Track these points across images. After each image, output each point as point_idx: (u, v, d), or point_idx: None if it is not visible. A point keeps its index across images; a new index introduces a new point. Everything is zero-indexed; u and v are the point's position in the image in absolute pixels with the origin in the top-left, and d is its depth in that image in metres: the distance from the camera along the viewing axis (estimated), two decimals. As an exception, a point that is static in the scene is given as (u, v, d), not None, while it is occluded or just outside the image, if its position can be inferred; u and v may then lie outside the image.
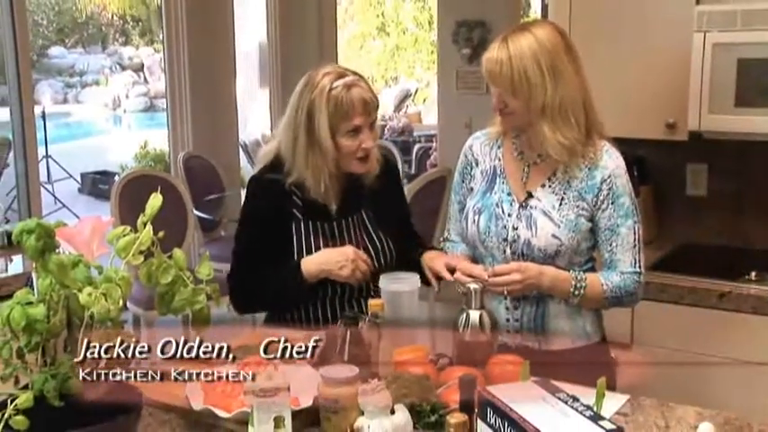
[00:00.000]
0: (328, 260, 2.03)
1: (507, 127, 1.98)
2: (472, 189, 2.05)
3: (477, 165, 2.05)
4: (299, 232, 2.10)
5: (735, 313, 2.51)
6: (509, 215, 1.95)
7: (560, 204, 1.92)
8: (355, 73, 2.07)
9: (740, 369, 2.50)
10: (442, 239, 2.19)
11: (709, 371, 2.54)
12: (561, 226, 1.91)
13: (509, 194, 1.97)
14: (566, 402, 1.31)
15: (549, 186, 1.95)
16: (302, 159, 2.04)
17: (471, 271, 1.91)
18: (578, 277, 1.91)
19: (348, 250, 2.03)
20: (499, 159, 2.02)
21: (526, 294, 1.93)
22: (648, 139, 2.86)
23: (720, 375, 2.52)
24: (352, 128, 2.01)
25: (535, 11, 9.10)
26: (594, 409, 1.34)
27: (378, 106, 2.07)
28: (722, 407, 1.79)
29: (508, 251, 1.94)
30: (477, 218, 1.99)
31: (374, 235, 2.14)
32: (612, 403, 1.67)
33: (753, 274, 2.59)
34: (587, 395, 1.46)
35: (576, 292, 1.91)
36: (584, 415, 1.28)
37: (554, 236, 1.90)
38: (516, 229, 1.94)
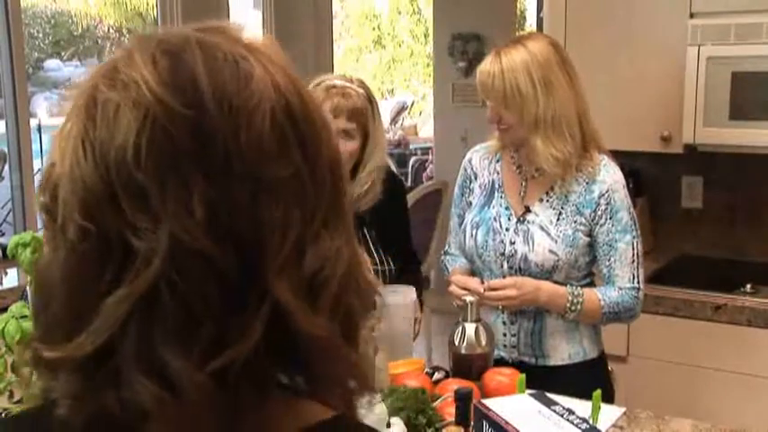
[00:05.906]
0: None
1: (505, 142, 1.97)
2: (471, 203, 2.05)
3: (475, 178, 2.05)
4: None
5: (730, 326, 2.51)
6: (506, 229, 1.94)
7: (558, 219, 1.91)
8: (362, 84, 2.11)
9: (736, 382, 2.49)
10: (442, 253, 2.19)
11: (705, 383, 2.54)
12: (558, 241, 1.89)
13: (507, 208, 1.96)
14: (561, 415, 1.31)
15: (547, 201, 1.93)
16: None
17: (466, 284, 1.91)
18: (575, 293, 1.89)
19: None
20: (498, 173, 2.01)
21: (523, 309, 1.93)
22: (644, 152, 2.87)
23: (716, 388, 2.52)
24: None
25: (530, 24, 9.12)
26: (590, 421, 1.34)
27: (360, 116, 2.07)
28: (718, 419, 1.79)
29: (505, 266, 1.93)
30: (474, 232, 1.98)
31: (375, 253, 2.15)
32: (608, 416, 1.67)
33: (748, 286, 2.59)
34: (583, 408, 1.46)
35: (573, 308, 1.88)
36: (580, 428, 1.27)
37: (551, 251, 1.89)
38: (513, 243, 1.92)
